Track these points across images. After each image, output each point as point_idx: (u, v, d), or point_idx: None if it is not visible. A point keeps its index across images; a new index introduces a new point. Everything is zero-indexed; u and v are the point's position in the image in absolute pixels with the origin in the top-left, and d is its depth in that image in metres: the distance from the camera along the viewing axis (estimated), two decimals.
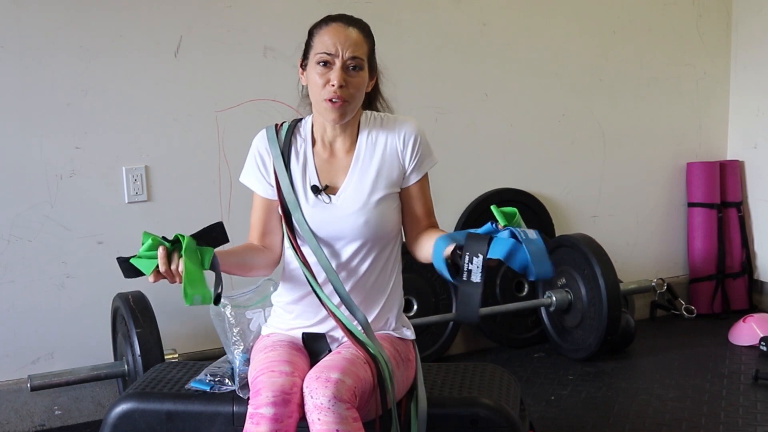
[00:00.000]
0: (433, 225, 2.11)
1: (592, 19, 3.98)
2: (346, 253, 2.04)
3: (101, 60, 3.08)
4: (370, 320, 2.03)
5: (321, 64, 1.97)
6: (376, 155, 2.05)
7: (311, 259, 2.04)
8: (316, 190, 2.04)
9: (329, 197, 2.04)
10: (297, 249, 2.05)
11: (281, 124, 2.12)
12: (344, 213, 2.02)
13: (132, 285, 3.03)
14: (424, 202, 2.10)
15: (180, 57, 3.20)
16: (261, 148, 2.11)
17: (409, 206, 2.09)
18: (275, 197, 2.07)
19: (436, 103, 3.67)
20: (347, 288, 2.03)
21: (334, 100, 1.96)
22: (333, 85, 1.95)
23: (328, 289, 2.03)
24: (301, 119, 2.14)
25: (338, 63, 1.96)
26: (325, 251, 2.03)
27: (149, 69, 3.16)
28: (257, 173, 2.09)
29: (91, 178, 3.12)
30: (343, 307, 2.02)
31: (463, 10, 3.68)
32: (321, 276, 2.04)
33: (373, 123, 2.09)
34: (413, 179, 2.07)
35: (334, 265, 2.03)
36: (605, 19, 4.00)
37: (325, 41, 1.98)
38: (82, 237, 3.12)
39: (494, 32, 3.76)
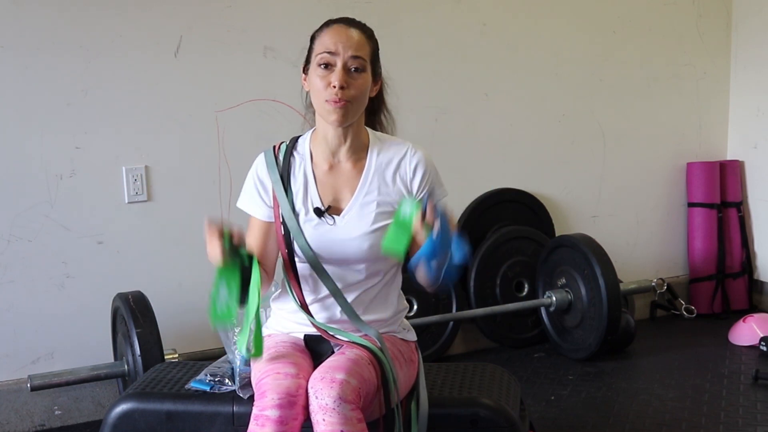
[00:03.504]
0: None
1: (592, 19, 3.98)
2: (349, 272, 2.01)
3: (101, 60, 3.08)
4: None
5: (322, 66, 1.94)
6: (385, 180, 2.02)
7: (306, 276, 2.02)
8: (318, 212, 1.99)
9: (333, 218, 2.00)
10: (291, 279, 2.02)
11: (279, 146, 2.08)
12: (348, 237, 1.98)
13: (132, 285, 3.06)
14: None
15: (180, 57, 3.20)
16: (261, 173, 2.05)
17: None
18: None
19: (436, 103, 3.67)
20: (349, 300, 2.01)
21: (335, 101, 1.93)
22: (334, 86, 1.91)
23: (326, 305, 2.02)
24: (298, 137, 2.10)
25: (339, 63, 1.93)
26: (328, 271, 2.00)
27: (149, 69, 3.16)
28: (258, 199, 2.04)
29: (91, 178, 3.11)
30: (346, 324, 2.01)
31: (463, 10, 3.68)
32: (322, 292, 2.02)
33: (383, 145, 2.05)
34: None
35: (336, 284, 2.00)
36: (605, 19, 4.01)
37: (325, 41, 1.96)
38: (82, 237, 3.12)
39: (494, 32, 3.76)
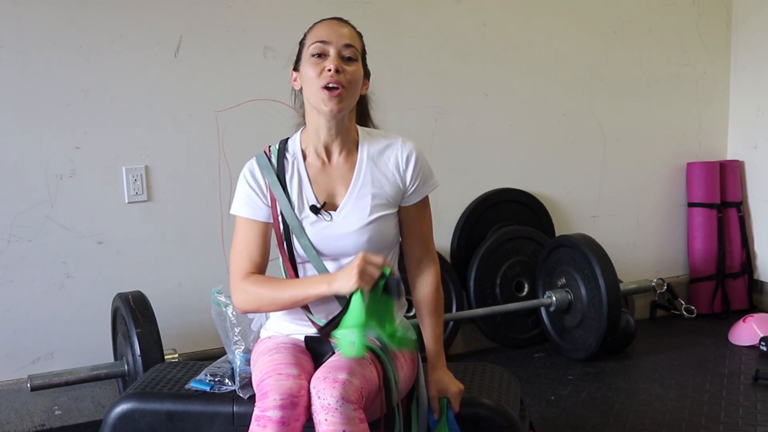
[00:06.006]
0: (427, 253, 2.10)
1: (592, 19, 3.98)
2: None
3: (101, 60, 3.08)
4: None
5: (316, 55, 1.96)
6: (378, 172, 2.03)
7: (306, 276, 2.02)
8: (315, 209, 1.99)
9: (329, 214, 2.00)
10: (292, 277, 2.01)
11: (270, 149, 2.07)
12: (345, 231, 1.99)
13: (132, 285, 3.06)
14: (420, 225, 2.08)
15: (180, 57, 3.20)
16: (256, 175, 2.03)
17: (405, 227, 2.08)
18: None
19: (436, 103, 3.67)
20: None
21: (331, 85, 1.92)
22: (329, 71, 1.92)
23: (326, 304, 2.01)
24: (288, 138, 2.10)
25: (333, 51, 1.95)
26: (327, 267, 2.00)
27: (149, 69, 3.16)
28: (257, 200, 2.02)
29: (91, 178, 3.12)
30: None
31: (463, 10, 3.68)
32: None
33: (373, 139, 2.06)
34: (412, 200, 2.06)
35: None
36: (605, 19, 4.01)
37: (318, 33, 1.98)
38: (82, 237, 3.12)
39: (494, 32, 3.76)
